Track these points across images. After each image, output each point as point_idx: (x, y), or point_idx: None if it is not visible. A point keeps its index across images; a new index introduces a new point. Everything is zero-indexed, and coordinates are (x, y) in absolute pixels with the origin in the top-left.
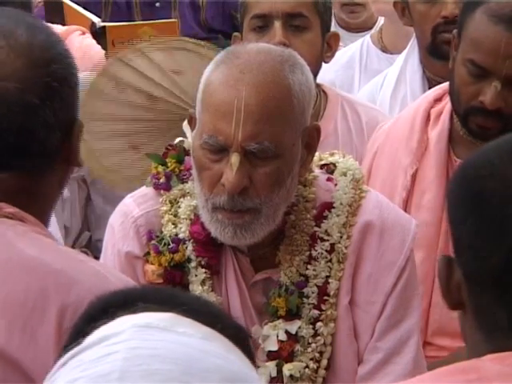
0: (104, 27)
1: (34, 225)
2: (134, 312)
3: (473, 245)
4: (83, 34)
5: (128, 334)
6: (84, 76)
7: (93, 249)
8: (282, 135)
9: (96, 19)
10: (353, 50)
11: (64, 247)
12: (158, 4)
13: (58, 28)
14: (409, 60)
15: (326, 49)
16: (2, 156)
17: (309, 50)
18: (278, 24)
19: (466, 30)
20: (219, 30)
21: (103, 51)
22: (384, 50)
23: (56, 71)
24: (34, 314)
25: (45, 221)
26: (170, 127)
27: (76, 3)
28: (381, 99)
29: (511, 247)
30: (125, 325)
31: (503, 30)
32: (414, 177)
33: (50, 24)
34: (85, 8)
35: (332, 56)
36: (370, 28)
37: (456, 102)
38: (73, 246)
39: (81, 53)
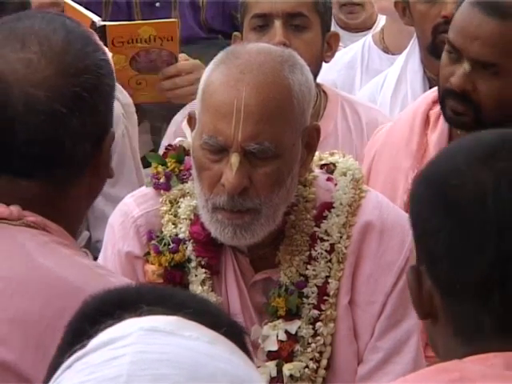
0: (104, 26)
1: (57, 234)
2: (139, 315)
3: (451, 254)
4: None
5: (134, 337)
6: None
7: (92, 249)
8: (282, 135)
9: (96, 18)
10: (355, 50)
11: (83, 259)
12: (157, 4)
13: None
14: (409, 60)
15: (326, 48)
16: (26, 164)
17: (309, 49)
18: (278, 24)
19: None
20: (219, 30)
21: (110, 53)
22: (386, 50)
23: (86, 81)
24: (47, 332)
25: (72, 232)
26: None
27: (77, 3)
28: (381, 99)
29: (496, 253)
30: (131, 328)
31: (477, 11)
32: None
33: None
34: (86, 8)
35: (332, 56)
36: (369, 28)
37: (438, 88)
38: None
39: None
